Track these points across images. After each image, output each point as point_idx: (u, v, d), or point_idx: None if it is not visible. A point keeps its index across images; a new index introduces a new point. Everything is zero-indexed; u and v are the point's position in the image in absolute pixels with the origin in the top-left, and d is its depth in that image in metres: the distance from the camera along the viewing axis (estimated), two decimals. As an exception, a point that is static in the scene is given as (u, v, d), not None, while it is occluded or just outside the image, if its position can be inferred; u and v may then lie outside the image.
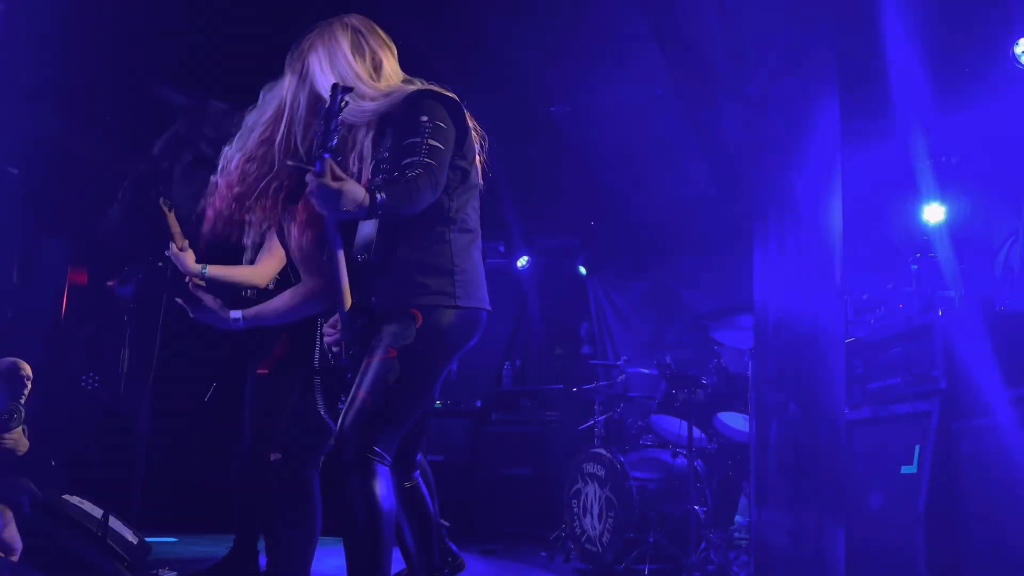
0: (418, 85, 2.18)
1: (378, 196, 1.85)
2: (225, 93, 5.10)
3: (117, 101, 5.35)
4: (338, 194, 1.80)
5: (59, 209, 6.78)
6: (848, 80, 3.20)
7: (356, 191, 1.84)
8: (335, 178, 1.83)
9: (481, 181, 2.25)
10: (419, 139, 2.00)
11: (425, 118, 2.04)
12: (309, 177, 1.82)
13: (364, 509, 1.89)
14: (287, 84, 2.19)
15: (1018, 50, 3.08)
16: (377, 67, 2.20)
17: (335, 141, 1.83)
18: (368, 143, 2.17)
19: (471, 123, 2.23)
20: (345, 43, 2.18)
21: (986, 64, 3.83)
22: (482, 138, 2.28)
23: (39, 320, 6.89)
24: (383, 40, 2.26)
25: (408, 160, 1.98)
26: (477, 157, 2.25)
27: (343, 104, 1.86)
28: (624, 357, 5.44)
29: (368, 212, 1.86)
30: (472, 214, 2.19)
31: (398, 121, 2.10)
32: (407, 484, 2.30)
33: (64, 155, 5.73)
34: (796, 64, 3.56)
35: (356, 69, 2.17)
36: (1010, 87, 3.45)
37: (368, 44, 2.21)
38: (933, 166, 5.18)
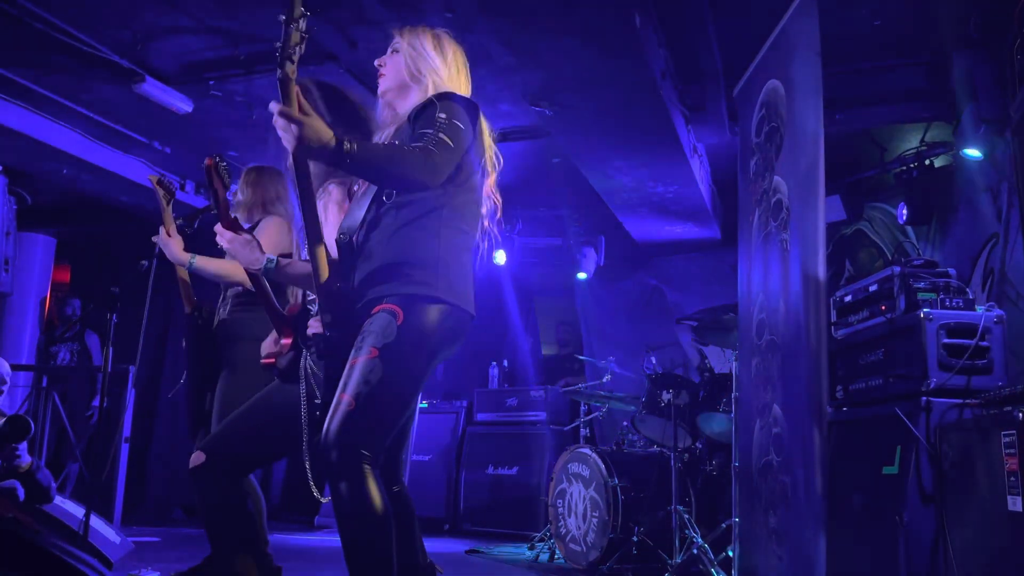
0: None
1: (346, 143, 1.83)
2: (213, 89, 5.11)
3: (103, 98, 5.32)
4: (300, 124, 1.80)
5: (43, 207, 6.75)
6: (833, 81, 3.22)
7: (322, 128, 1.82)
8: (302, 111, 1.83)
9: (488, 190, 2.23)
10: (431, 131, 2.00)
11: (443, 115, 2.03)
12: (272, 104, 1.81)
13: (358, 515, 1.84)
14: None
15: None
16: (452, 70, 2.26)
17: (293, 58, 1.81)
18: (388, 135, 2.20)
19: (486, 132, 2.21)
20: (428, 41, 2.25)
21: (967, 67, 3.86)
22: (496, 155, 2.28)
23: (23, 317, 6.84)
24: (459, 56, 2.32)
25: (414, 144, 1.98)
26: (490, 170, 2.23)
27: (301, 18, 1.82)
28: (610, 357, 5.45)
29: (333, 156, 1.84)
30: (468, 219, 2.15)
31: (416, 118, 2.11)
32: (395, 488, 2.25)
33: (48, 153, 5.69)
34: (782, 67, 3.58)
35: (433, 62, 2.22)
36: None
37: (446, 49, 2.27)
38: (915, 169, 5.22)
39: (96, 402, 6.17)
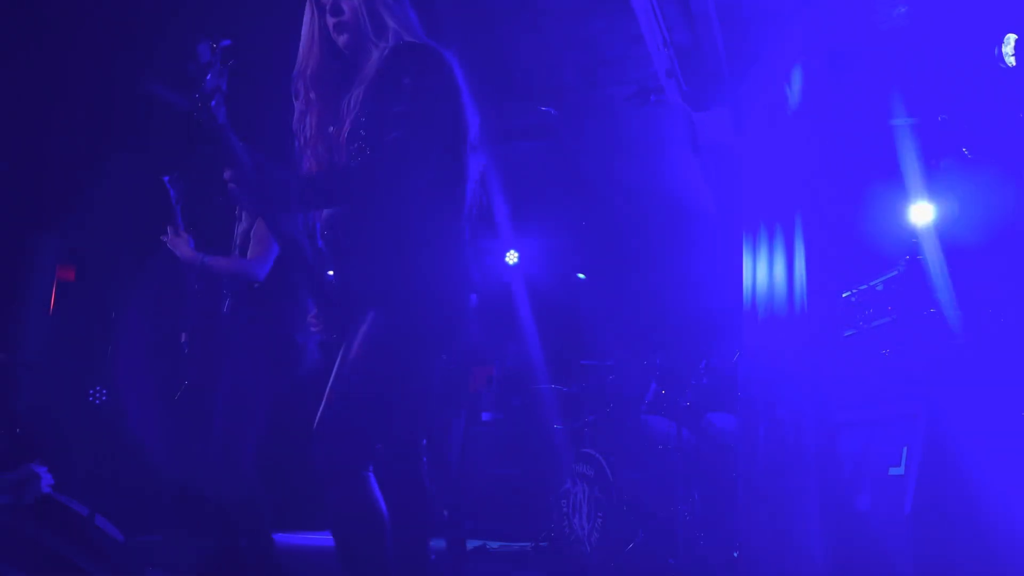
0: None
1: (320, 182, 1.80)
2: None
3: (108, 99, 5.32)
4: (251, 184, 1.76)
5: (48, 206, 6.75)
6: (837, 79, 3.21)
7: (276, 180, 1.78)
8: (253, 160, 1.78)
9: (470, 146, 1.99)
10: (403, 108, 1.82)
11: (408, 80, 1.83)
12: (228, 174, 1.76)
13: (348, 516, 1.80)
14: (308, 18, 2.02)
15: (1006, 49, 3.09)
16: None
17: (215, 106, 1.70)
18: (355, 100, 1.93)
19: (463, 85, 1.97)
20: None
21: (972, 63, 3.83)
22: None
23: (28, 316, 6.85)
24: None
25: (391, 135, 1.80)
26: (471, 124, 1.99)
27: (216, 61, 1.68)
28: (614, 358, 5.43)
29: (313, 201, 1.82)
30: (456, 186, 1.95)
31: (378, 84, 1.89)
32: (412, 489, 2.13)
33: (54, 153, 5.69)
34: (786, 65, 3.56)
35: (399, 8, 2.00)
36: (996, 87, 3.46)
37: None
38: (923, 166, 5.20)
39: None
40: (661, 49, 4.44)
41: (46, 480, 3.08)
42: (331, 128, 1.96)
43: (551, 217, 7.23)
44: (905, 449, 2.90)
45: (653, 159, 5.40)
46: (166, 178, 3.33)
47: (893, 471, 2.96)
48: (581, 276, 7.35)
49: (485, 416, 6.84)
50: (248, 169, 1.75)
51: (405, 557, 1.99)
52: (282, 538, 4.93)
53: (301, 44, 2.01)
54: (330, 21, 1.96)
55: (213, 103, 1.69)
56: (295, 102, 2.02)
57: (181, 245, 3.17)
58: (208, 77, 1.67)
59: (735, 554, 4.01)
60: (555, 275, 7.93)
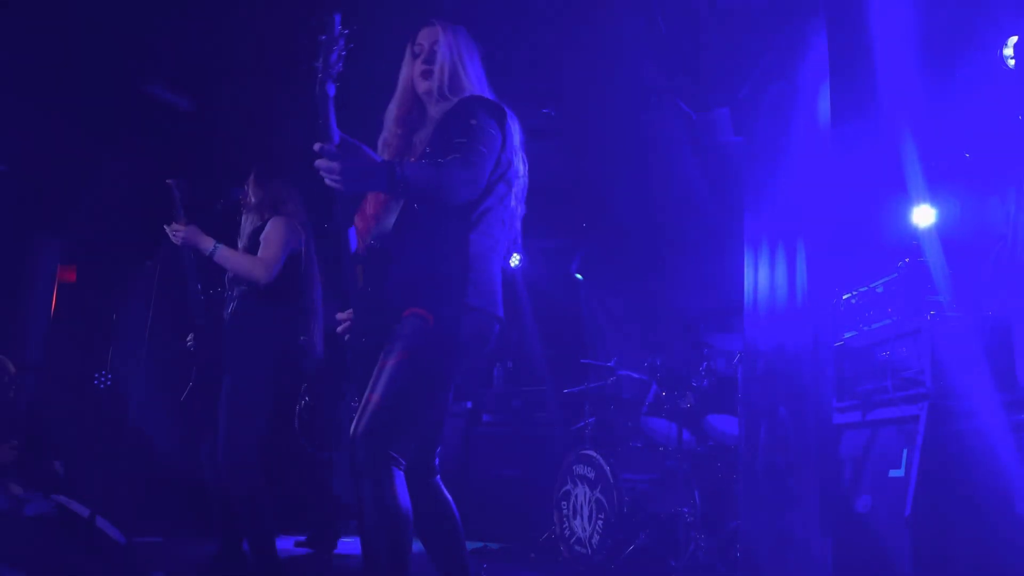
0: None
1: (397, 170, 1.87)
2: (218, 92, 5.11)
3: (108, 100, 5.33)
4: (342, 163, 1.84)
5: (49, 207, 6.75)
6: (839, 82, 3.21)
7: (366, 163, 1.88)
8: (342, 145, 1.90)
9: (514, 195, 2.28)
10: (466, 140, 2.03)
11: (475, 122, 2.07)
12: (316, 146, 1.85)
13: (380, 513, 1.90)
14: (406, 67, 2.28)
15: (1007, 51, 3.10)
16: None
17: (335, 78, 1.86)
18: (425, 135, 2.20)
19: (515, 136, 2.25)
20: (473, 51, 2.29)
21: (976, 64, 3.84)
22: (523, 159, 2.32)
23: (30, 318, 6.86)
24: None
25: (451, 156, 2.01)
26: (516, 175, 2.27)
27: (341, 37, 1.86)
28: (615, 359, 5.44)
29: (384, 185, 1.88)
30: (496, 224, 2.19)
31: (447, 124, 2.12)
32: (431, 483, 2.24)
33: (54, 154, 5.70)
34: (787, 67, 3.56)
35: (477, 73, 2.27)
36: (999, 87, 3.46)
37: (478, 54, 2.32)
38: (923, 168, 5.20)
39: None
40: (662, 50, 4.45)
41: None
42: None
43: (552, 219, 7.23)
44: (905, 451, 2.90)
45: (653, 160, 5.40)
46: (171, 182, 3.35)
47: (893, 473, 2.96)
48: (579, 276, 7.35)
49: (486, 418, 6.83)
50: (335, 145, 1.89)
51: (437, 559, 2.14)
52: (284, 540, 4.92)
53: (399, 83, 2.28)
54: (419, 67, 2.21)
55: (333, 73, 1.86)
56: (385, 132, 2.28)
57: (194, 234, 3.22)
58: (335, 50, 1.84)
59: (736, 555, 4.01)
60: (556, 277, 7.93)
